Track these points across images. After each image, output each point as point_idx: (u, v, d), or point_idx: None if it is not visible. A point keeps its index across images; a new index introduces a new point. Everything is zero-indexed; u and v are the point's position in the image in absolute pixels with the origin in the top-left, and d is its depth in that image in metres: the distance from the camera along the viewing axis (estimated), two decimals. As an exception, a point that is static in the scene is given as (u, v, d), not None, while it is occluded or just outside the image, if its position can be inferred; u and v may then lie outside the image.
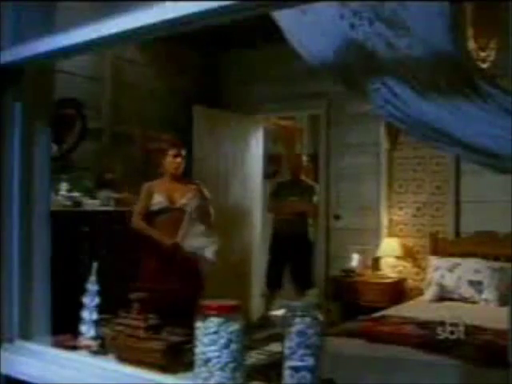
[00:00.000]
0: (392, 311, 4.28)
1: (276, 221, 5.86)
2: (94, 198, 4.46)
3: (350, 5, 1.58)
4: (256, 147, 6.39)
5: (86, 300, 1.83)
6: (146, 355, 1.66)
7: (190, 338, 1.50)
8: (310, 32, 1.67)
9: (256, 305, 6.09)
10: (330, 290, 5.54)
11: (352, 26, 1.57)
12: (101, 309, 1.83)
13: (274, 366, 1.26)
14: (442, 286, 4.69)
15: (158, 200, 3.74)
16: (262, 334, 5.13)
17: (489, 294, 4.48)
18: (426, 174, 5.24)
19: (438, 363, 2.97)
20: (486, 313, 4.02)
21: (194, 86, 5.93)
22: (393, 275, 5.32)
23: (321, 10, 1.61)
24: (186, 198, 3.75)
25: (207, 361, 1.11)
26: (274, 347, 4.46)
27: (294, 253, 5.59)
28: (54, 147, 4.03)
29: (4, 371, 1.47)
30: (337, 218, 5.71)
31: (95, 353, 1.75)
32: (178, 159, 3.83)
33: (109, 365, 1.48)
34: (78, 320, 1.82)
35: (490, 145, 1.52)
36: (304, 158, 6.02)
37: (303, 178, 5.81)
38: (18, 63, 1.46)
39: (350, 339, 3.38)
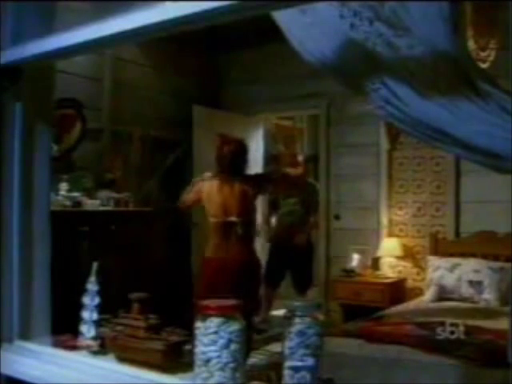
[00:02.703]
0: (392, 311, 4.28)
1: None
2: (94, 197, 4.45)
3: (349, 5, 1.58)
4: (256, 147, 6.37)
5: (86, 300, 1.82)
6: (145, 355, 1.65)
7: (189, 338, 1.50)
8: (310, 32, 1.67)
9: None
10: (330, 289, 5.55)
11: (352, 25, 1.58)
12: (101, 309, 1.82)
13: (274, 366, 1.26)
14: (442, 286, 4.69)
15: None
16: (261, 334, 5.12)
17: (489, 294, 4.47)
18: (426, 174, 5.23)
19: (438, 363, 2.96)
20: (486, 313, 4.02)
21: (194, 86, 5.93)
22: (393, 275, 5.32)
23: (321, 9, 1.61)
24: None
25: (207, 361, 1.11)
26: (274, 347, 4.46)
27: (294, 256, 5.53)
28: (54, 147, 4.02)
29: (4, 371, 1.47)
30: (337, 218, 5.70)
31: (95, 353, 1.75)
32: None
33: (109, 365, 1.48)
34: (78, 320, 1.81)
35: (490, 145, 1.52)
36: (300, 158, 5.90)
37: None
38: (18, 63, 1.46)
39: (350, 339, 3.38)
